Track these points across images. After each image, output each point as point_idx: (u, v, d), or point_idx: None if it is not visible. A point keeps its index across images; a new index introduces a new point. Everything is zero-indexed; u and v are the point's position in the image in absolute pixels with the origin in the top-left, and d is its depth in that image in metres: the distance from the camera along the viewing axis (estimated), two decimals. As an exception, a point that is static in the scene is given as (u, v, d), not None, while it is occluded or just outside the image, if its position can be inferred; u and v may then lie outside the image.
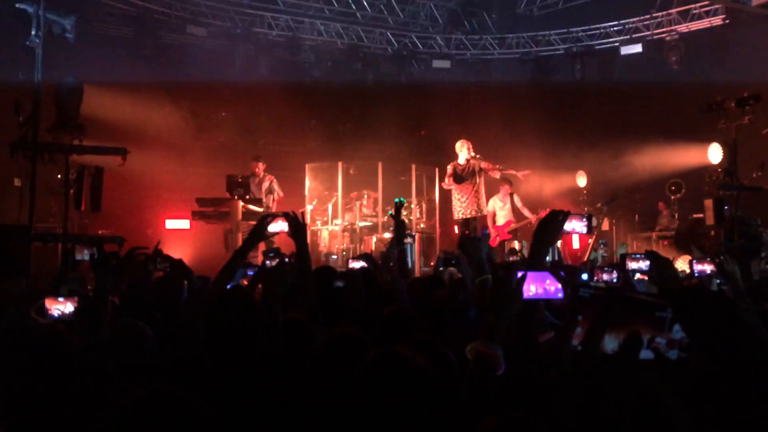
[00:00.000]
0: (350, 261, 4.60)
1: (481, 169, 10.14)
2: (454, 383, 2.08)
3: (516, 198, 11.32)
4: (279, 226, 3.50)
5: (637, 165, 13.09)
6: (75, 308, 3.01)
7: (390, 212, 5.98)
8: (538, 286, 2.25)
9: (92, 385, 2.25)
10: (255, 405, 2.34)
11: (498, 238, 10.99)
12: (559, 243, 10.92)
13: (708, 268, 3.81)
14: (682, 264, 8.64)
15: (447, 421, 1.90)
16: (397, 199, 3.83)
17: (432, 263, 9.86)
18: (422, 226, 12.22)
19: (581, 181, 14.08)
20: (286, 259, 4.01)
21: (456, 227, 10.82)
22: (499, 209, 11.19)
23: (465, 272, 4.03)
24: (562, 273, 2.08)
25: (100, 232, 10.03)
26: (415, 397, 1.86)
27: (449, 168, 10.26)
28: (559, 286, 2.16)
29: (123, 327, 2.85)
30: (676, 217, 12.57)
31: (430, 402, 1.88)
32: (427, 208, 12.70)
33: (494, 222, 11.14)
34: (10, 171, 8.34)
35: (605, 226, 12.98)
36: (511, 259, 8.35)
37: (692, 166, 12.09)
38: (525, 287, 2.22)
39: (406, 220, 11.01)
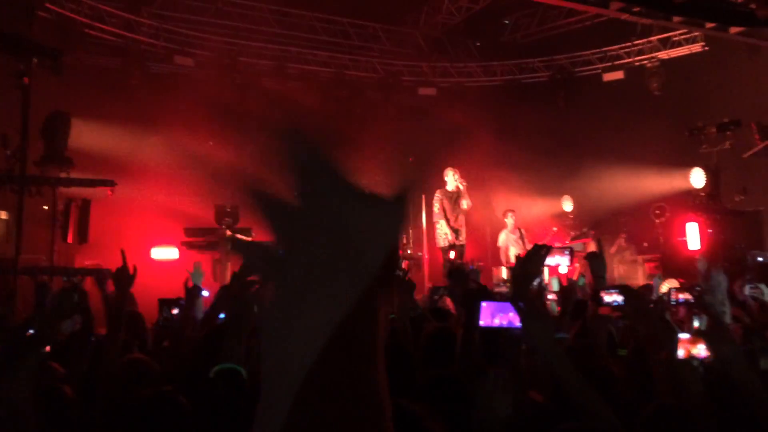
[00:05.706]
0: None
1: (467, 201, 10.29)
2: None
3: (523, 232, 11.31)
4: None
5: (620, 189, 13.23)
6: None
7: None
8: (501, 318, 2.32)
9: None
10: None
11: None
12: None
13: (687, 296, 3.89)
14: (668, 287, 8.72)
15: None
16: None
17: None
18: (409, 252, 12.24)
19: (567, 205, 14.21)
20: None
21: (442, 255, 10.83)
22: (512, 243, 11.07)
23: (456, 299, 4.07)
24: (521, 305, 2.14)
25: (86, 263, 9.96)
26: None
27: (436, 198, 10.35)
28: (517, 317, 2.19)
29: (130, 363, 2.88)
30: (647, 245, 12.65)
31: None
32: (414, 235, 12.73)
33: (507, 258, 11.03)
34: (-3, 203, 8.34)
35: (591, 250, 13.06)
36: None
37: (675, 191, 12.25)
38: (488, 318, 2.29)
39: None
